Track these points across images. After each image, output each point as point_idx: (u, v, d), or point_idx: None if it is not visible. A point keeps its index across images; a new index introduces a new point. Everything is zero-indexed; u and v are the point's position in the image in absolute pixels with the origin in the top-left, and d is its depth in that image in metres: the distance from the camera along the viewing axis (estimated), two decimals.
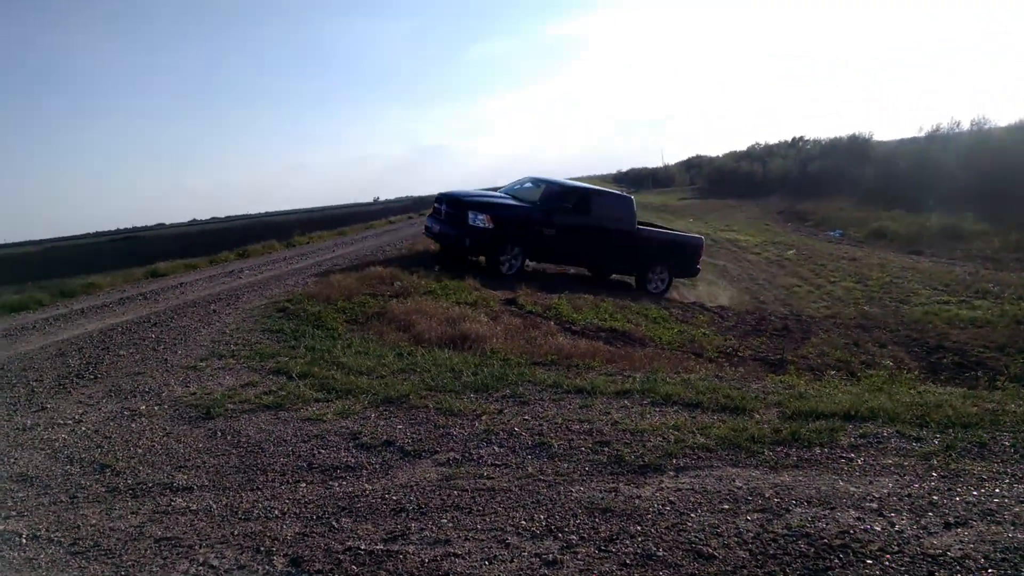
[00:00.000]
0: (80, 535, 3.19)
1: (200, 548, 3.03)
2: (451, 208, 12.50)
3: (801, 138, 53.43)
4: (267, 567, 2.85)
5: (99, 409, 5.00)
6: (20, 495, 3.65)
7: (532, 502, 3.38)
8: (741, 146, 62.95)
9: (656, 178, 68.56)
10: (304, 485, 3.63)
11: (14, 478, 3.85)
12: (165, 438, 4.38)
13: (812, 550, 2.86)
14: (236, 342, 6.95)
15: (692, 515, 3.21)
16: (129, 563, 2.93)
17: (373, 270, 11.29)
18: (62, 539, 3.16)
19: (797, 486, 3.47)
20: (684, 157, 74.47)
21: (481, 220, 11.89)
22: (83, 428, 4.61)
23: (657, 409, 4.72)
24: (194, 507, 3.42)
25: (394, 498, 3.43)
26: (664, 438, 4.14)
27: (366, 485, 3.60)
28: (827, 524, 3.07)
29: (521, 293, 10.32)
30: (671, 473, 3.68)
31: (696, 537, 3.01)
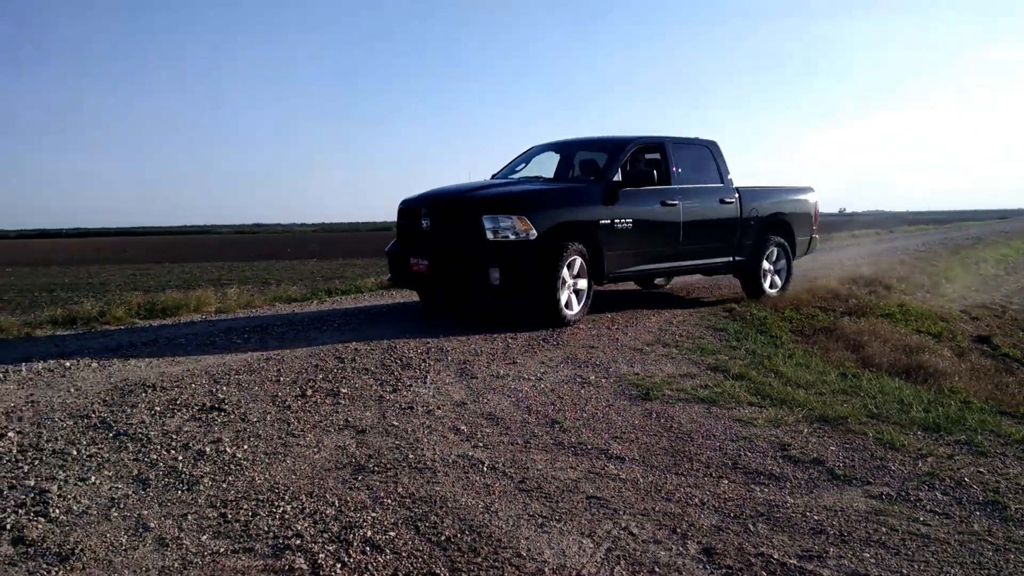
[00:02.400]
0: (528, 475, 3.67)
1: (623, 514, 3.29)
2: (445, 219, 7.38)
3: None
4: (681, 548, 3.00)
5: (557, 372, 5.65)
6: (487, 431, 4.31)
7: (973, 562, 3.03)
8: None
9: None
10: (726, 482, 3.71)
11: (485, 415, 4.56)
12: (607, 408, 4.79)
13: None
14: (680, 333, 7.26)
15: None
16: (563, 510, 3.30)
17: (825, 283, 10.86)
18: (513, 475, 3.67)
19: None
20: None
21: (511, 227, 6.93)
22: (542, 385, 5.25)
23: None
24: (623, 476, 3.71)
25: (815, 518, 3.34)
26: None
27: (788, 497, 3.56)
28: None
29: (996, 332, 9.07)
30: None
31: None
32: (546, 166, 8.92)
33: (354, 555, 2.81)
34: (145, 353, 6.03)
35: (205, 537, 2.91)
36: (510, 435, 4.24)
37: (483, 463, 3.79)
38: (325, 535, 2.96)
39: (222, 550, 2.82)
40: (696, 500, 3.47)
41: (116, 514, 3.09)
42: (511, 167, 9.06)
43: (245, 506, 3.18)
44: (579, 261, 7.28)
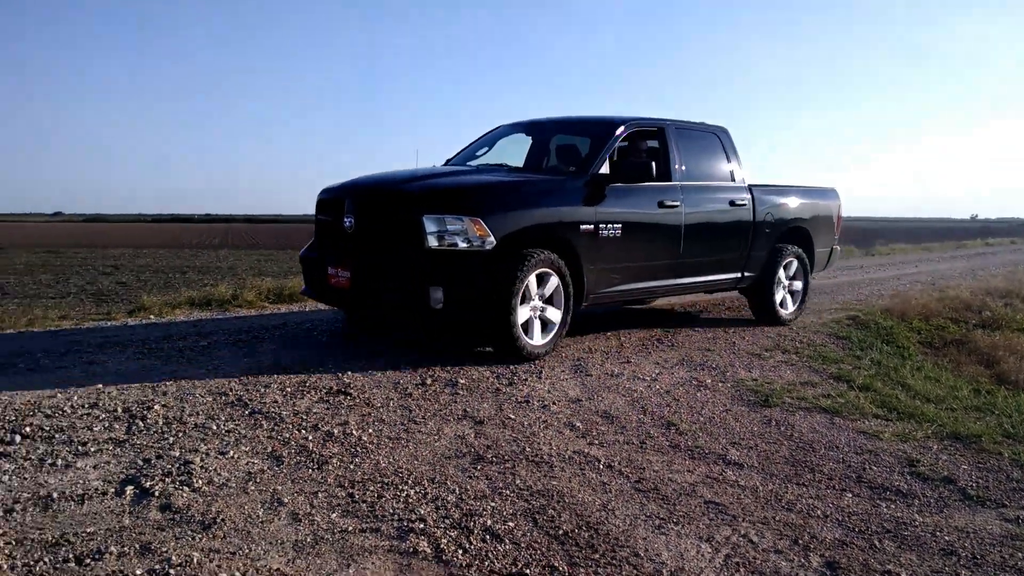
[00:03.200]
0: (644, 476, 3.67)
1: (742, 521, 3.25)
2: (374, 217, 5.64)
3: None
4: (802, 560, 2.94)
5: (672, 373, 5.60)
6: (602, 428, 4.32)
7: None
8: None
9: None
10: (850, 495, 3.60)
11: (600, 413, 4.58)
12: (724, 413, 4.72)
13: None
14: (801, 340, 7.07)
15: None
16: (680, 513, 3.29)
17: (956, 293, 10.32)
18: (629, 475, 3.68)
19: None
20: None
21: (461, 231, 5.31)
22: (657, 386, 5.22)
23: None
24: (742, 483, 3.66)
25: (946, 538, 3.21)
26: None
27: (916, 515, 3.43)
28: None
29: None
30: None
31: None
32: (515, 152, 7.21)
33: (475, 542, 2.89)
34: (275, 336, 6.33)
35: (335, 515, 3.05)
36: (625, 434, 4.24)
37: (599, 461, 3.81)
38: (447, 521, 3.05)
39: (351, 528, 2.95)
40: (818, 512, 3.39)
41: (253, 488, 3.27)
42: (470, 151, 7.33)
43: (371, 488, 3.32)
44: (552, 277, 5.65)
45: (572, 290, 5.80)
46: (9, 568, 2.56)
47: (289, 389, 4.68)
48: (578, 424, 4.35)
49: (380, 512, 3.10)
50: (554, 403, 4.69)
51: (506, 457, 3.76)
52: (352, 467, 3.54)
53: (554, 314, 5.78)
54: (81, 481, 3.26)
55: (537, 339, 5.71)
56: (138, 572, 2.55)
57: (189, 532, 2.86)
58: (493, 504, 3.23)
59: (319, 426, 4.05)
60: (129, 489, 3.20)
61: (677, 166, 6.76)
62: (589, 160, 6.26)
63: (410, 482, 3.40)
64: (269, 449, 3.72)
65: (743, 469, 3.85)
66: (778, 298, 7.79)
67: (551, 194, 5.84)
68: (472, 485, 3.41)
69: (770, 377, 5.66)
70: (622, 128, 6.48)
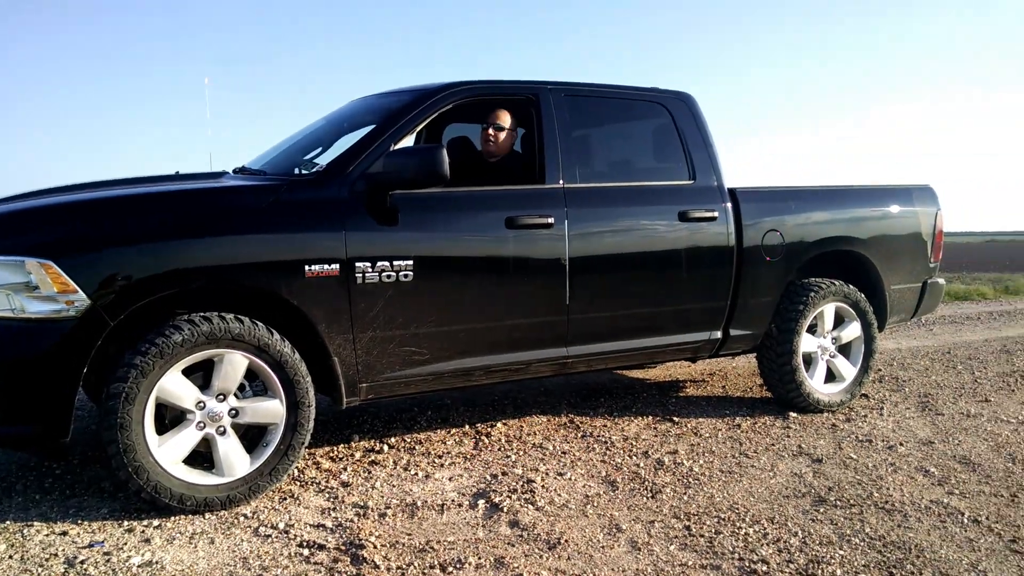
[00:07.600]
0: (1020, 535, 3.21)
1: None
2: None
3: None
4: None
5: None
6: (962, 476, 3.86)
7: None
8: None
9: None
10: None
11: (957, 459, 4.10)
12: None
13: None
14: None
15: None
16: None
17: None
18: (1001, 532, 3.24)
19: None
20: None
21: (25, 286, 2.97)
22: None
23: None
24: None
25: None
26: None
27: None
28: None
29: None
30: None
31: None
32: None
33: None
34: None
35: (673, 547, 3.04)
36: (991, 485, 3.76)
37: (962, 513, 3.40)
38: (791, 566, 2.90)
39: (690, 563, 2.92)
40: None
41: (591, 511, 3.37)
42: (294, 145, 4.44)
43: (707, 522, 3.26)
44: (234, 363, 3.28)
45: (301, 385, 3.43)
46: None
47: (615, 412, 4.78)
48: (932, 469, 3.93)
49: (719, 549, 3.02)
50: (901, 444, 4.29)
51: (852, 501, 3.50)
52: (686, 498, 3.50)
53: (235, 453, 3.33)
54: None
55: (200, 478, 3.28)
56: None
57: (536, 550, 3.02)
58: (841, 552, 3.01)
59: (649, 453, 4.08)
60: None
61: (561, 157, 4.13)
62: (352, 154, 3.71)
63: (748, 520, 3.28)
64: (603, 473, 3.81)
65: None
66: (810, 368, 4.93)
67: (234, 212, 3.43)
68: (816, 529, 3.21)
69: None
70: (436, 97, 3.92)
